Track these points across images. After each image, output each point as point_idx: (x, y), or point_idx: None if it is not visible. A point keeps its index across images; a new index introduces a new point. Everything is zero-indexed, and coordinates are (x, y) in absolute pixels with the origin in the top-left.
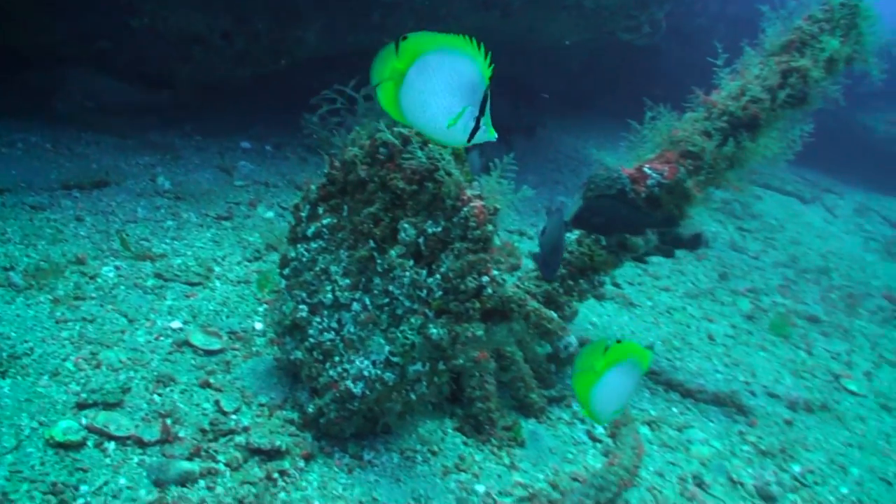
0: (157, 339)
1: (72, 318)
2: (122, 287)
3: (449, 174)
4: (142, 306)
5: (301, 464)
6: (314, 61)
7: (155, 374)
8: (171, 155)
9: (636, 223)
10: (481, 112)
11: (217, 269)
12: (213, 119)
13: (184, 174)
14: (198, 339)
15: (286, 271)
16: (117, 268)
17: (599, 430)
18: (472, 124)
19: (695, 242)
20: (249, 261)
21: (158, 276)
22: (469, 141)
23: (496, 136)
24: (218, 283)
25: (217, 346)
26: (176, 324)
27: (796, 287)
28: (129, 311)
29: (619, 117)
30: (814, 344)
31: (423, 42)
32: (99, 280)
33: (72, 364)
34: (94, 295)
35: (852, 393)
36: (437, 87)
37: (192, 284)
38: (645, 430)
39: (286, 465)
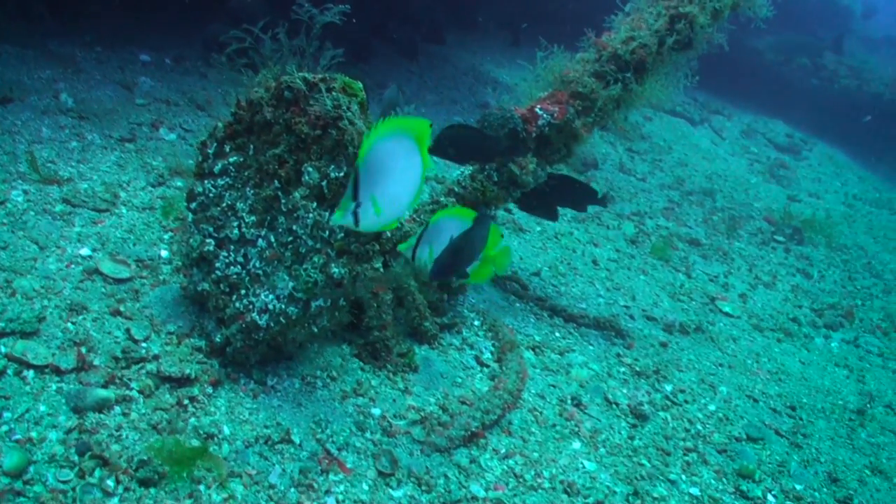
0: (68, 267)
1: None
2: (32, 213)
3: (352, 123)
4: (52, 233)
5: (209, 390)
6: None
7: (68, 302)
8: (73, 69)
9: (486, 149)
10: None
11: (123, 194)
12: (112, 27)
13: (86, 91)
14: (107, 267)
15: (193, 205)
16: (26, 192)
17: (487, 356)
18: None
19: (605, 199)
20: (154, 186)
21: (66, 201)
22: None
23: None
24: (124, 210)
25: (126, 275)
26: (85, 251)
27: (680, 210)
28: (39, 237)
29: (515, 33)
30: (693, 267)
31: None
32: (9, 205)
33: None
34: (4, 221)
35: (727, 315)
36: None
37: (100, 211)
38: (529, 354)
39: (195, 391)
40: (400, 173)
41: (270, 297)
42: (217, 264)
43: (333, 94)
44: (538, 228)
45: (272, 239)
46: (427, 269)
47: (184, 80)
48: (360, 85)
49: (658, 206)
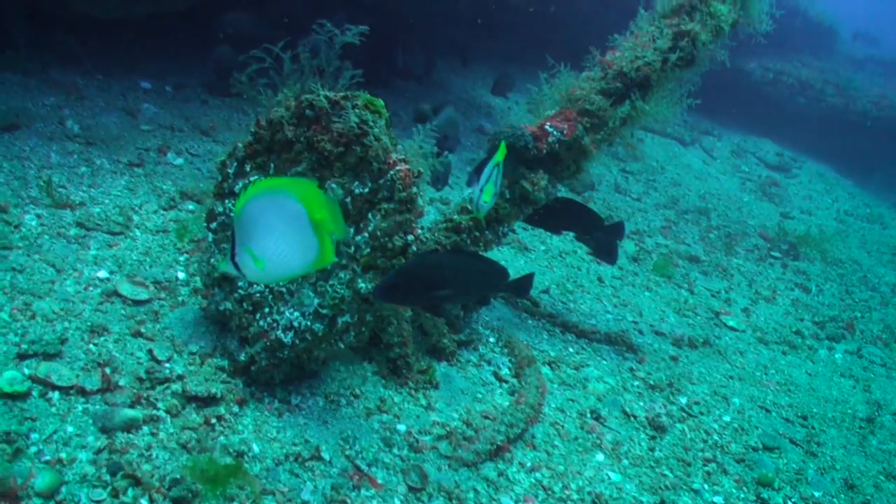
0: (86, 289)
1: (2, 269)
2: (47, 236)
3: (378, 139)
4: (68, 256)
5: (235, 409)
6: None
7: (88, 324)
8: (76, 96)
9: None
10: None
11: (136, 218)
12: (112, 55)
13: (91, 117)
14: (126, 289)
15: (213, 225)
16: (39, 217)
17: (505, 372)
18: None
19: (618, 230)
20: (166, 209)
21: (80, 225)
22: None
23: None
24: (138, 233)
25: (145, 297)
26: (102, 273)
27: (677, 228)
28: (56, 260)
29: (505, 58)
30: (695, 283)
31: None
32: (23, 229)
33: (7, 315)
34: (20, 245)
35: (732, 329)
36: None
37: (114, 234)
38: (546, 370)
39: (222, 410)
40: (282, 232)
41: (296, 314)
42: (240, 283)
43: (357, 110)
44: (542, 248)
45: None
46: (474, 206)
47: (186, 107)
48: (382, 102)
49: (655, 224)
